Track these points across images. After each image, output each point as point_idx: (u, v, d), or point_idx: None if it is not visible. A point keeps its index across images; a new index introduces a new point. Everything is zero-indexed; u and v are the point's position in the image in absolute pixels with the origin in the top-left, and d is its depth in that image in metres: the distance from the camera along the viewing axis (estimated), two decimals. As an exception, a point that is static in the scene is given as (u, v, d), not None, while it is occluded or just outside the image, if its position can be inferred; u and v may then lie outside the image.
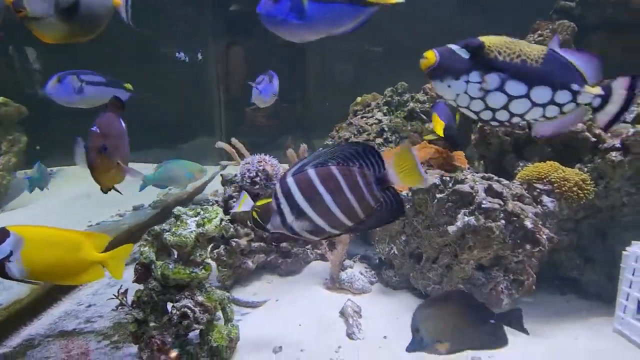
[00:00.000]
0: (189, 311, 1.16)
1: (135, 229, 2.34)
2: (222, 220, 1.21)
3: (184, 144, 4.28)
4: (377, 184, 0.93)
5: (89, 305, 1.72)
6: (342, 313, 1.57)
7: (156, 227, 1.26)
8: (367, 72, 3.98)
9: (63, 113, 1.81)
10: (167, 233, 1.17)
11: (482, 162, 2.01)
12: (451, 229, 1.43)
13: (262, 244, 1.90)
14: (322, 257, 2.05)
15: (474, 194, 1.43)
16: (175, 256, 1.28)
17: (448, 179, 1.54)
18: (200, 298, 1.19)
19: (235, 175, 1.98)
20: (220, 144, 2.08)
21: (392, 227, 1.64)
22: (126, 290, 1.36)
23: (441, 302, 1.32)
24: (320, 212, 0.92)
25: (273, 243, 1.85)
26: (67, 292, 1.79)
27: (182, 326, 1.17)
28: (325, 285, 1.81)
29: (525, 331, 1.35)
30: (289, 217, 0.93)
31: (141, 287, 1.29)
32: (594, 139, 1.54)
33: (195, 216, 1.23)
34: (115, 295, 1.31)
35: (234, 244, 1.77)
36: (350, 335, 1.47)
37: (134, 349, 1.42)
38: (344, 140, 2.69)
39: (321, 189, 0.91)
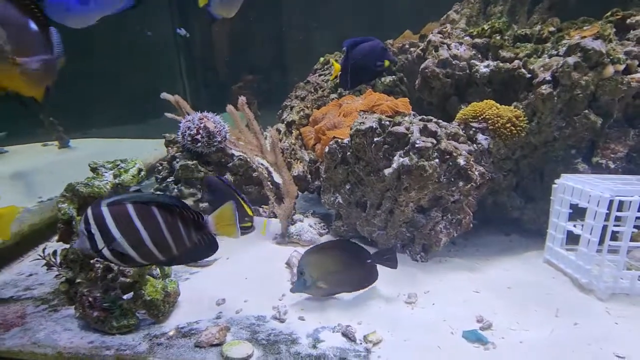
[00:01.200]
0: (112, 265, 1.13)
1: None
2: (140, 170, 1.17)
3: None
4: (196, 228, 1.09)
5: (30, 274, 1.67)
6: (288, 264, 1.58)
7: (72, 182, 1.21)
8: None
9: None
10: (80, 185, 1.12)
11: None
12: (387, 171, 1.42)
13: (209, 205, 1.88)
14: (275, 215, 2.04)
15: (409, 134, 1.43)
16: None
17: (388, 122, 1.52)
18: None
19: (177, 136, 1.92)
20: (165, 95, 1.99)
21: (336, 176, 1.63)
22: (55, 252, 1.32)
23: (324, 249, 1.37)
24: (133, 244, 1.02)
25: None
26: (8, 263, 1.74)
27: (108, 280, 1.14)
28: (275, 240, 1.81)
29: (394, 266, 1.39)
30: (100, 244, 1.00)
31: (67, 246, 1.26)
32: (529, 75, 1.54)
33: (113, 168, 1.18)
34: (40, 256, 1.27)
35: (178, 204, 1.74)
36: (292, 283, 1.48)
37: (71, 310, 1.40)
38: (299, 99, 2.65)
39: (138, 224, 1.01)
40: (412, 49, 2.16)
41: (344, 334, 1.21)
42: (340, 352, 1.16)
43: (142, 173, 1.12)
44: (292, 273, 1.52)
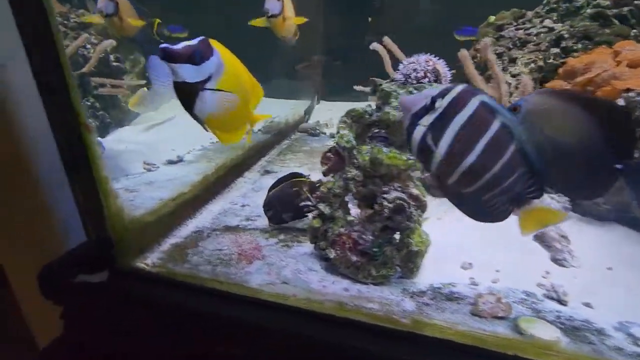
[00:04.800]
0: (404, 204, 0.96)
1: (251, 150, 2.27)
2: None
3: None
4: None
5: (243, 205, 1.65)
6: (540, 237, 1.32)
7: (357, 108, 1.06)
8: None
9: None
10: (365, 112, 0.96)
11: None
12: None
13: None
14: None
15: None
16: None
17: None
18: (414, 191, 0.99)
19: (392, 80, 1.72)
20: (375, 45, 1.81)
21: None
22: (319, 181, 1.20)
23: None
24: None
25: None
26: (219, 191, 1.75)
27: (393, 222, 0.99)
28: (502, 207, 1.55)
29: None
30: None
31: (328, 178, 1.13)
32: None
33: (409, 95, 1.00)
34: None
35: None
36: (558, 262, 1.22)
37: (305, 248, 1.31)
38: (486, 61, 2.29)
39: None
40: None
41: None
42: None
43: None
44: (552, 249, 1.25)
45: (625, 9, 1.66)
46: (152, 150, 2.27)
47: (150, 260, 1.20)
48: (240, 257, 1.25)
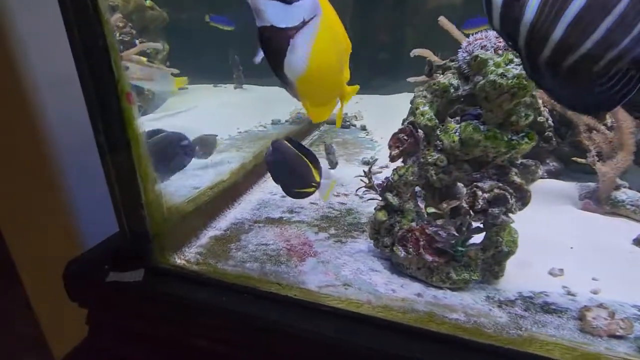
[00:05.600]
0: (507, 194, 0.78)
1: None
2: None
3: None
4: None
5: (284, 196, 1.49)
6: (640, 241, 1.12)
7: (441, 80, 0.88)
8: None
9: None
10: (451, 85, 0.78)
11: None
12: None
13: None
14: (552, 174, 1.59)
15: None
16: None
17: None
18: (517, 179, 0.82)
19: (448, 62, 1.53)
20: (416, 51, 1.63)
21: None
22: (370, 170, 1.04)
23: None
24: None
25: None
26: (256, 181, 1.59)
27: (489, 216, 0.81)
28: (583, 205, 1.36)
29: None
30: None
31: (397, 164, 0.96)
32: None
33: (509, 63, 0.83)
34: (365, 173, 1.00)
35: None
36: (671, 268, 1.03)
37: (361, 244, 1.15)
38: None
39: None
40: None
41: None
42: None
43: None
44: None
45: None
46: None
47: (189, 257, 1.05)
48: (290, 254, 1.09)
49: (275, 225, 1.26)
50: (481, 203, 0.80)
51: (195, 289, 0.93)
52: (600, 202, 1.30)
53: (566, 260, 1.10)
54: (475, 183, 0.82)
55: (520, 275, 1.03)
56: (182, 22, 3.64)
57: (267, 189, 1.57)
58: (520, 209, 0.84)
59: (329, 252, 1.11)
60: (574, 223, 1.28)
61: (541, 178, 1.57)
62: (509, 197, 0.78)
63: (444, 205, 0.88)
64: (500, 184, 0.81)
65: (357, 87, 0.81)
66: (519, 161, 1.51)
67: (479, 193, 0.80)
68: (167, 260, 1.02)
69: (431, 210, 0.90)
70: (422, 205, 1.07)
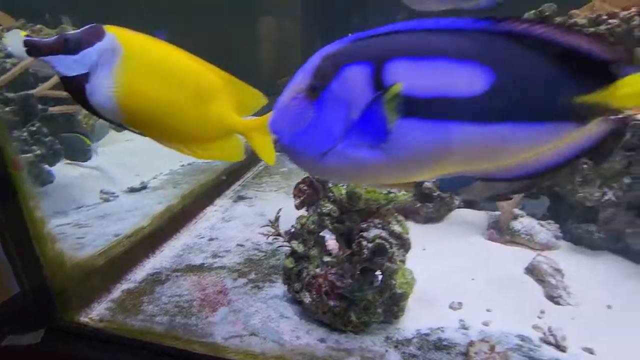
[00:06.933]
0: (386, 244, 0.85)
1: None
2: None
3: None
4: None
5: (211, 239, 1.50)
6: (531, 271, 1.23)
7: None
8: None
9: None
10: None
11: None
12: None
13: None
14: (469, 204, 1.70)
15: None
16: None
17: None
18: (397, 228, 0.89)
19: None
20: None
21: (612, 165, 1.24)
22: (277, 218, 1.09)
23: None
24: None
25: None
26: (184, 224, 1.59)
27: (374, 264, 0.87)
28: (488, 235, 1.46)
29: None
30: None
31: (301, 212, 1.01)
32: None
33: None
34: (271, 222, 1.04)
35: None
36: (554, 299, 1.13)
37: (277, 289, 1.18)
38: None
39: None
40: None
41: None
42: None
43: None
44: (545, 284, 1.16)
45: (603, 27, 1.65)
46: (112, 176, 2.09)
47: (96, 313, 1.04)
48: (203, 304, 1.10)
49: (194, 274, 1.27)
50: (365, 252, 0.86)
51: (95, 347, 0.92)
52: (502, 231, 1.42)
53: (467, 292, 1.18)
54: (361, 233, 0.89)
55: (423, 311, 1.10)
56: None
57: (196, 231, 1.57)
58: (403, 255, 0.91)
59: (243, 300, 1.13)
60: (478, 254, 1.38)
61: (458, 207, 1.68)
62: (387, 247, 0.85)
63: (340, 252, 0.93)
64: (383, 234, 0.87)
65: (266, 117, 0.77)
66: (436, 193, 1.62)
67: (364, 243, 0.87)
68: (72, 318, 1.00)
69: (327, 259, 0.95)
70: (333, 247, 1.12)
